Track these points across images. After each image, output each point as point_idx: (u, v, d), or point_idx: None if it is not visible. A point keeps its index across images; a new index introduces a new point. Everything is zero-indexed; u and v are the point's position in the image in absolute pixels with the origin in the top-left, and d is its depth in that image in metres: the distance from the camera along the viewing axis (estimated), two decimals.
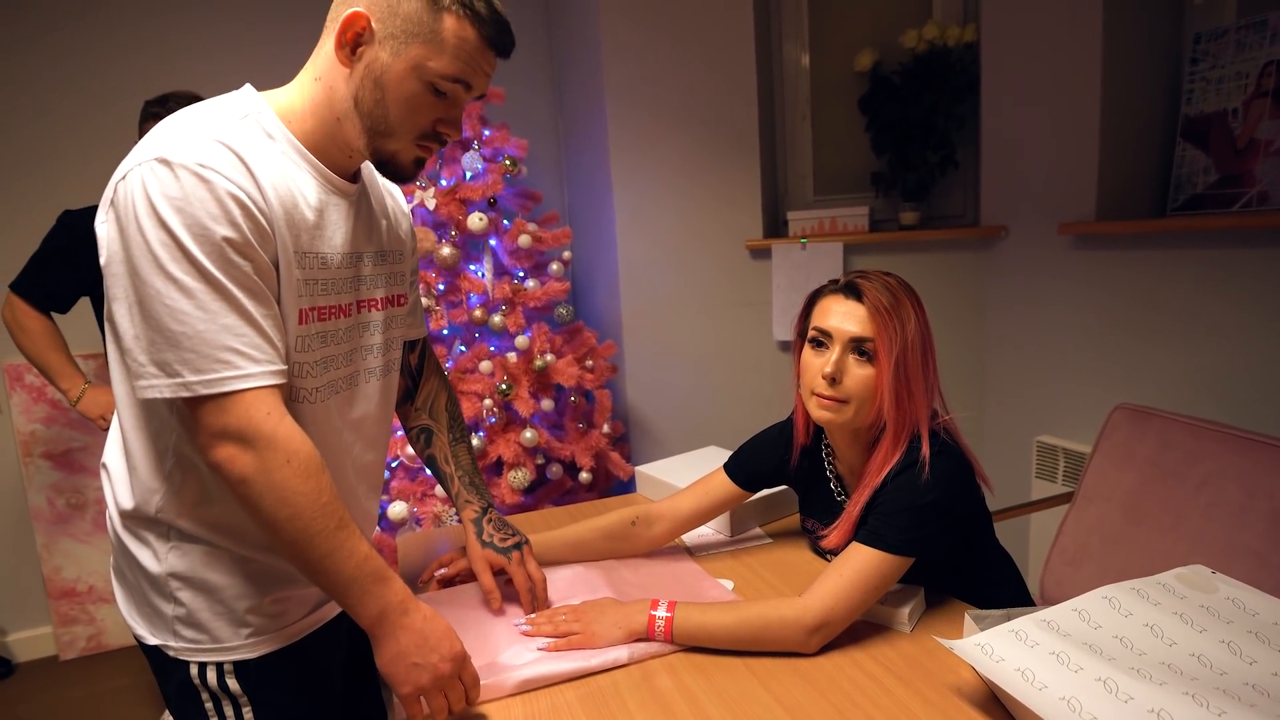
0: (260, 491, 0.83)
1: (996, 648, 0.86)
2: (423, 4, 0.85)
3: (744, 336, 2.64)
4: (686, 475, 1.51)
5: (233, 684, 0.94)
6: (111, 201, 0.82)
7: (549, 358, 2.33)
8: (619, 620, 1.06)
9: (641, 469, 1.67)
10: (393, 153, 0.92)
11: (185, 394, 0.81)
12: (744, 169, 2.57)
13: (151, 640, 0.94)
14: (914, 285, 1.13)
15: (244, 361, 0.82)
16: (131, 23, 2.56)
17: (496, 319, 2.34)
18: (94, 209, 2.02)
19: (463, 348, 2.37)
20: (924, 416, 1.09)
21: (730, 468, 1.30)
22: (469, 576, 1.24)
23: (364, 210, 1.00)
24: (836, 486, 1.24)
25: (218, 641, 0.93)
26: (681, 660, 1.03)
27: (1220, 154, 1.94)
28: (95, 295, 2.08)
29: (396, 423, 1.24)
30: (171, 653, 0.93)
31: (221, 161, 0.81)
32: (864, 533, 1.05)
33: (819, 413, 1.11)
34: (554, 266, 2.47)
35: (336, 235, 0.94)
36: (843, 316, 1.09)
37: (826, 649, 1.02)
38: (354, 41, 0.87)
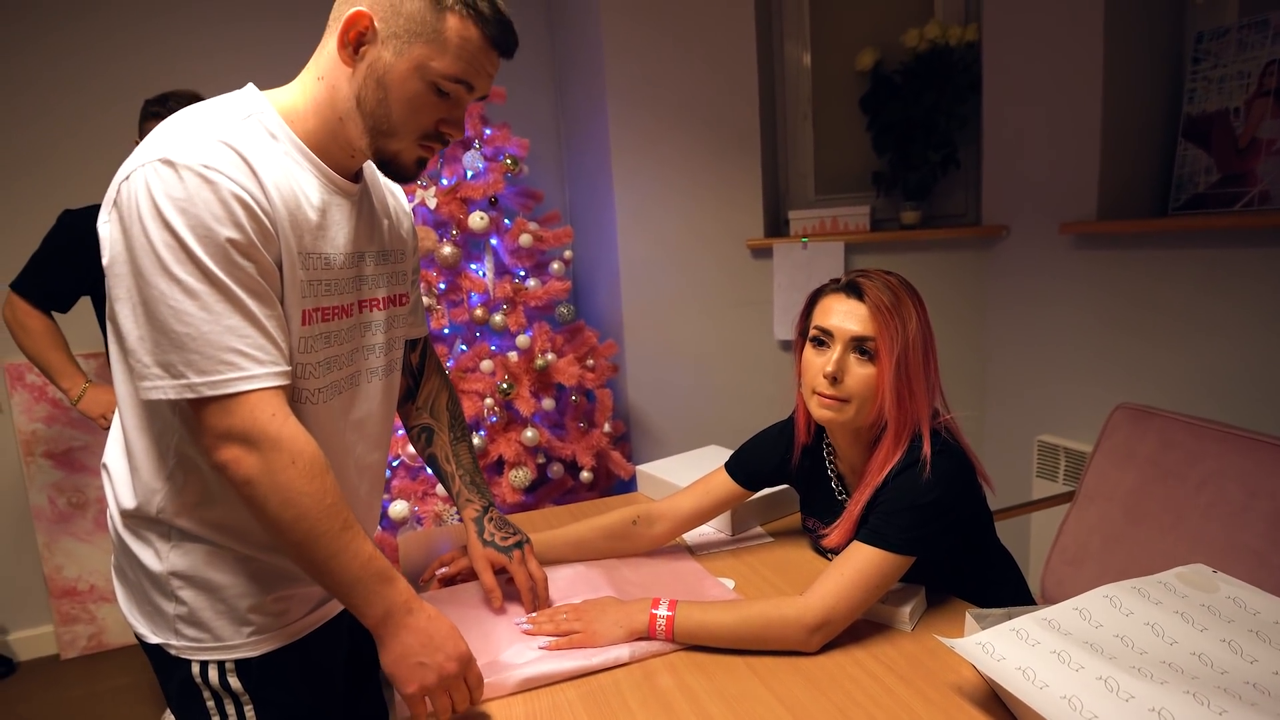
0: (265, 492, 0.83)
1: (998, 646, 0.86)
2: (426, 3, 0.85)
3: (745, 336, 2.64)
4: (687, 474, 1.51)
5: (234, 682, 0.94)
6: (114, 202, 0.82)
7: (550, 357, 2.33)
8: (620, 619, 1.06)
9: (642, 468, 1.67)
10: (395, 153, 0.92)
11: (190, 395, 0.81)
12: (745, 168, 2.57)
13: (153, 639, 0.94)
14: (915, 285, 1.13)
15: (248, 363, 0.82)
16: (131, 23, 2.56)
17: (498, 318, 2.34)
18: (94, 208, 2.02)
19: (464, 347, 2.37)
20: (925, 416, 1.09)
21: (731, 467, 1.30)
22: (470, 575, 1.24)
23: (366, 210, 1.00)
24: (837, 485, 1.24)
25: (220, 640, 0.93)
26: (683, 659, 1.03)
27: (1222, 153, 1.94)
28: (96, 295, 2.08)
29: (397, 421, 1.25)
30: (173, 651, 0.93)
31: (225, 162, 0.81)
32: (865, 532, 1.05)
33: (820, 412, 1.11)
34: (555, 266, 2.47)
35: (339, 235, 0.94)
36: (844, 315, 1.09)
37: (828, 648, 1.02)
38: (356, 41, 0.87)
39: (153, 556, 0.92)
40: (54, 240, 2.03)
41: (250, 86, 0.93)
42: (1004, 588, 1.22)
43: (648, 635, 1.05)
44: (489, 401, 2.24)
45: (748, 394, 2.66)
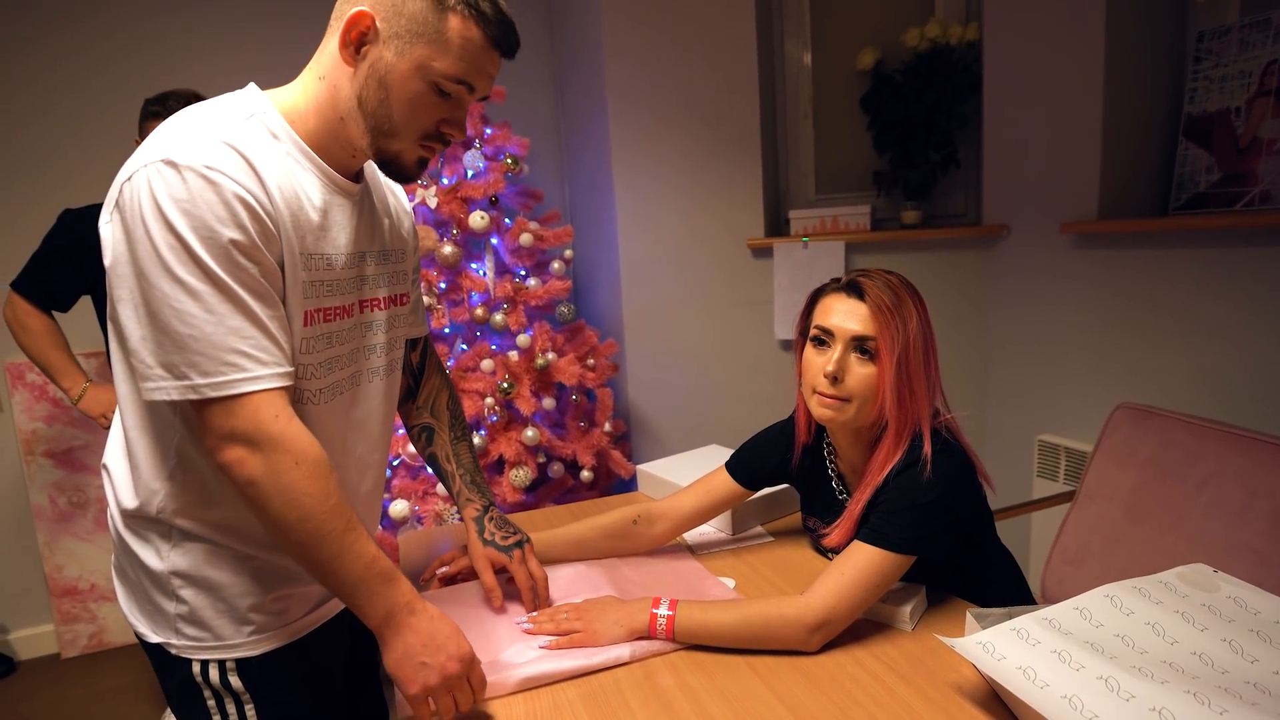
0: (268, 493, 0.83)
1: (998, 646, 0.86)
2: (428, 4, 0.85)
3: (745, 335, 2.64)
4: (688, 474, 1.51)
5: (235, 681, 0.94)
6: (116, 202, 0.82)
7: (550, 356, 2.33)
8: (621, 618, 1.06)
9: (643, 467, 1.67)
10: (396, 153, 0.92)
11: (193, 396, 0.81)
12: (746, 168, 2.57)
13: (153, 638, 0.94)
14: (915, 284, 1.13)
15: (251, 364, 0.82)
16: (131, 22, 2.56)
17: (498, 317, 2.34)
18: (95, 208, 2.02)
19: (464, 346, 2.37)
20: (926, 415, 1.09)
21: (732, 466, 1.30)
22: (470, 575, 1.24)
23: (367, 210, 1.00)
24: (838, 485, 1.24)
25: (220, 639, 0.93)
26: (683, 658, 1.03)
27: (1223, 153, 1.94)
28: (96, 294, 2.08)
29: (397, 421, 1.25)
30: (174, 651, 0.93)
31: (228, 163, 0.81)
32: (865, 531, 1.05)
33: (821, 411, 1.11)
34: (555, 265, 2.47)
35: (341, 236, 0.94)
36: (845, 315, 1.09)
37: (828, 647, 1.02)
38: (358, 40, 0.87)
39: (153, 556, 0.92)
40: (54, 240, 2.03)
41: (252, 86, 0.93)
42: (1004, 587, 1.21)
43: (648, 634, 1.05)
44: (489, 401, 2.24)
45: (748, 393, 2.66)
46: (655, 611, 1.05)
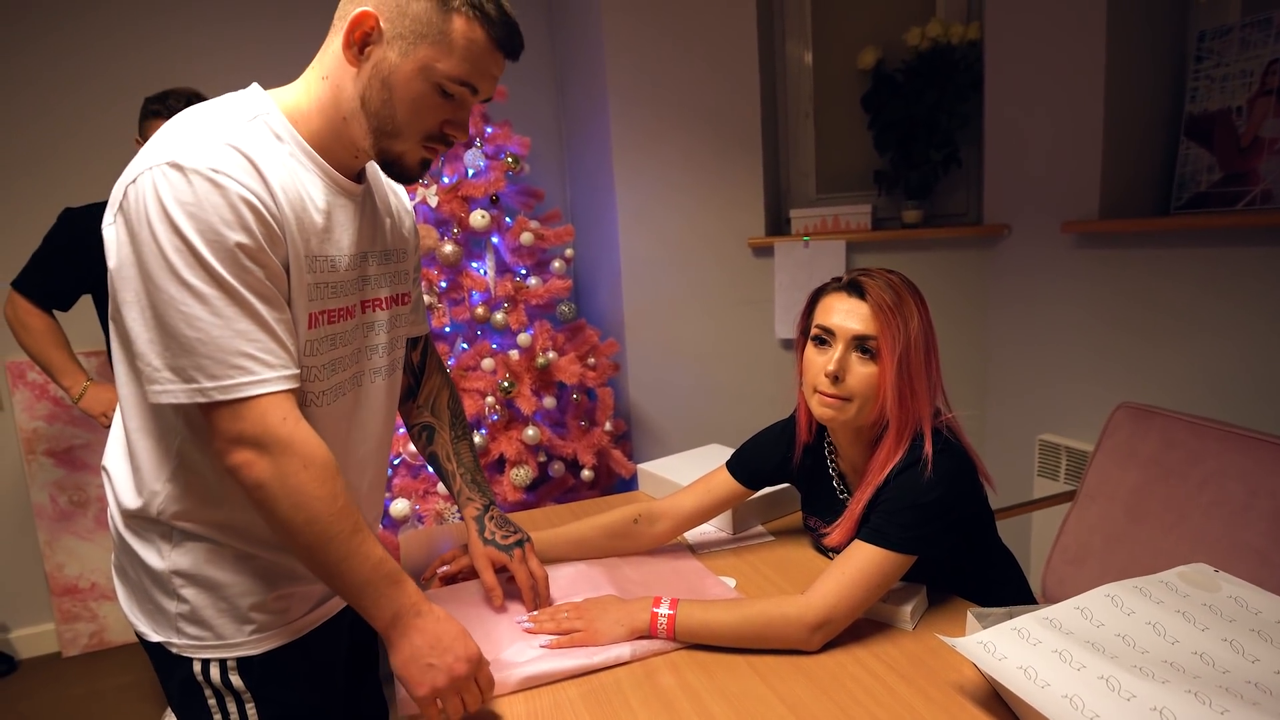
0: (276, 496, 0.83)
1: (999, 646, 0.86)
2: (432, 5, 0.85)
3: (746, 334, 2.64)
4: (689, 473, 1.51)
5: (236, 680, 0.94)
6: (120, 205, 0.82)
7: (551, 355, 2.33)
8: (621, 618, 1.06)
9: (644, 467, 1.67)
10: (399, 154, 0.92)
11: (201, 400, 0.81)
12: (746, 167, 2.57)
13: (154, 637, 0.94)
14: (916, 284, 1.12)
15: (259, 367, 0.82)
16: (131, 22, 2.56)
17: (499, 316, 2.34)
18: (95, 207, 2.02)
19: (465, 345, 2.38)
20: (926, 415, 1.08)
21: (732, 466, 1.30)
22: (471, 574, 1.24)
23: (368, 210, 1.00)
24: (839, 484, 1.24)
25: (221, 638, 0.93)
26: (684, 658, 1.03)
27: (1224, 152, 1.94)
28: (97, 293, 2.08)
29: (398, 420, 1.25)
30: (174, 650, 0.93)
31: (234, 166, 0.80)
32: (866, 531, 1.05)
33: (821, 410, 1.11)
34: (556, 264, 2.47)
35: (344, 237, 0.94)
36: (846, 314, 1.09)
37: (829, 647, 1.02)
38: (362, 41, 0.86)
39: (154, 555, 0.92)
40: (55, 239, 2.03)
41: (255, 86, 0.93)
42: (1005, 587, 1.21)
43: (649, 634, 1.05)
44: (490, 400, 2.24)
45: (749, 393, 2.66)
46: (656, 611, 1.05)
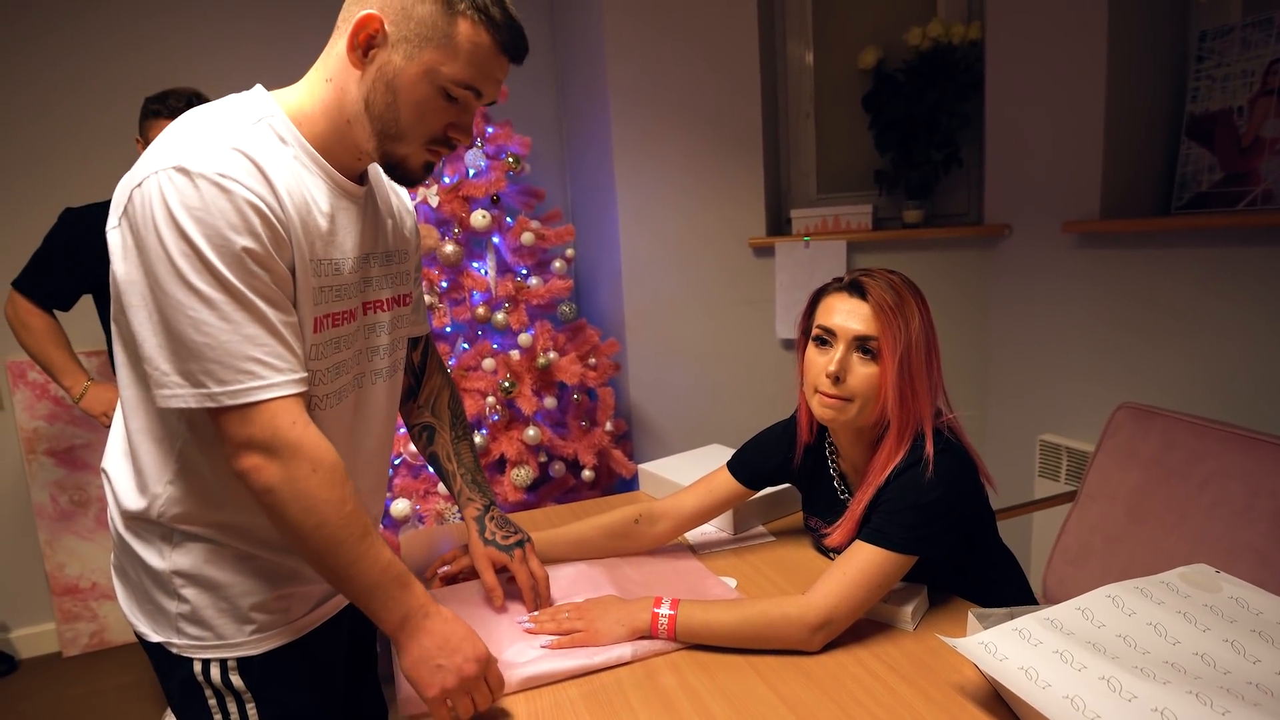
0: (286, 500, 0.83)
1: (1000, 646, 0.86)
2: (437, 8, 0.84)
3: (747, 334, 2.63)
4: (689, 473, 1.51)
5: (236, 680, 0.94)
6: (125, 209, 0.82)
7: (552, 355, 2.33)
8: (622, 618, 1.06)
9: (644, 467, 1.67)
10: (402, 157, 0.92)
11: (210, 404, 0.81)
12: (747, 167, 2.57)
13: (154, 638, 0.94)
14: (917, 284, 1.12)
15: (268, 371, 0.82)
16: (131, 22, 2.56)
17: (499, 316, 2.34)
18: (96, 206, 2.02)
19: (465, 345, 2.38)
20: (928, 415, 1.08)
21: (733, 466, 1.30)
22: (471, 574, 1.24)
23: (371, 211, 1.00)
24: (840, 484, 1.23)
25: (222, 638, 0.93)
26: (685, 658, 1.03)
27: (1225, 152, 1.94)
28: (98, 293, 2.08)
29: (399, 420, 1.25)
30: (175, 650, 0.93)
31: (240, 170, 0.80)
32: (867, 531, 1.05)
33: (822, 411, 1.11)
34: (557, 264, 2.47)
35: (347, 240, 0.94)
36: (847, 315, 1.09)
37: (830, 647, 1.02)
38: (366, 44, 0.86)
39: (155, 555, 0.92)
40: (55, 239, 2.03)
41: (258, 88, 0.92)
42: (1006, 587, 1.21)
43: (650, 634, 1.05)
44: (491, 400, 2.24)
45: (750, 393, 2.66)
46: (657, 611, 1.05)
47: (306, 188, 0.88)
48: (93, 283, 2.05)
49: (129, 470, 0.93)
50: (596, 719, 0.91)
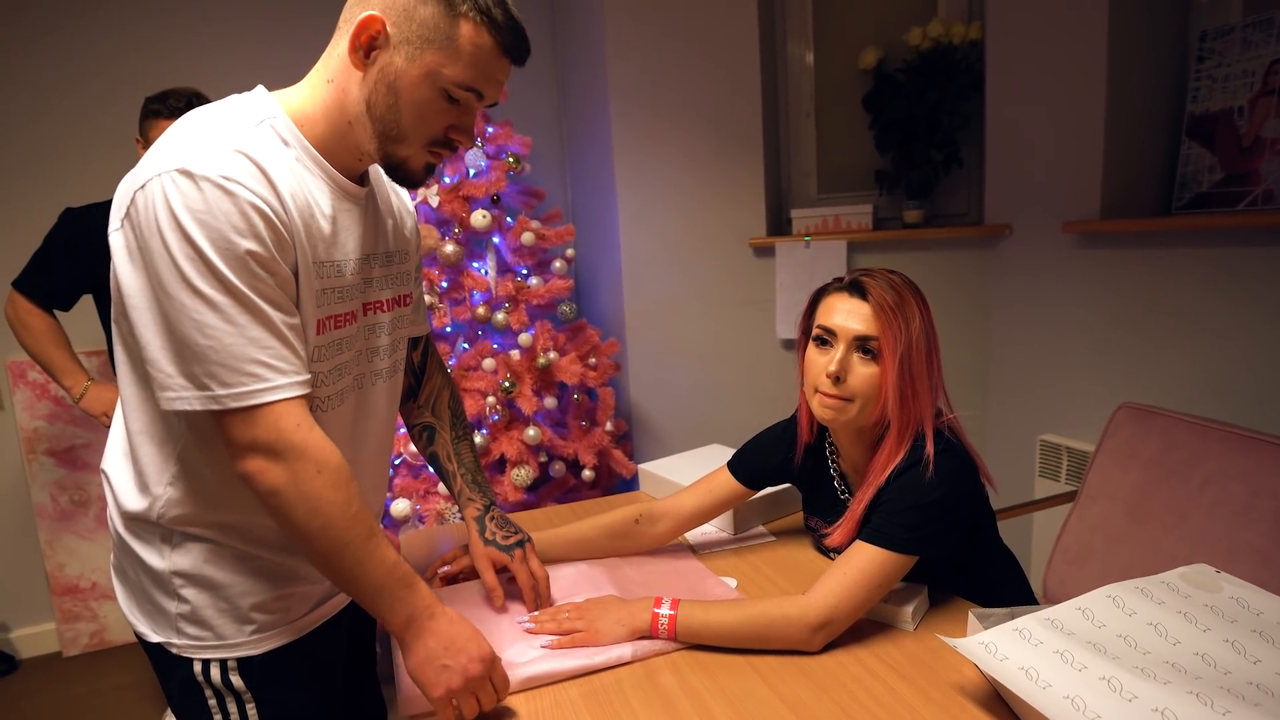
0: (292, 502, 0.83)
1: (1000, 646, 0.86)
2: (439, 10, 0.84)
3: (747, 334, 2.63)
4: (690, 473, 1.51)
5: (236, 681, 0.94)
6: (128, 212, 0.82)
7: (552, 355, 2.33)
8: (622, 618, 1.06)
9: (644, 467, 1.67)
10: (404, 158, 0.92)
11: (215, 407, 0.81)
12: (748, 167, 2.56)
13: (154, 638, 0.94)
14: (917, 284, 1.12)
15: (272, 374, 0.82)
16: (131, 22, 2.56)
17: (499, 316, 2.34)
18: (96, 206, 2.02)
19: (466, 345, 2.37)
20: (928, 415, 1.08)
21: (734, 466, 1.30)
22: (472, 574, 1.24)
23: (371, 213, 1.00)
24: (840, 485, 1.23)
25: (222, 639, 0.93)
26: (685, 658, 1.03)
27: (1226, 152, 1.94)
28: (98, 293, 2.08)
29: (399, 420, 1.25)
30: (175, 650, 0.93)
31: (243, 173, 0.80)
32: (868, 531, 1.05)
33: (823, 411, 1.11)
34: (557, 264, 2.47)
35: (349, 242, 0.94)
36: (847, 315, 1.09)
37: (830, 647, 1.02)
38: (368, 45, 0.86)
39: (155, 556, 0.92)
40: (56, 238, 2.03)
41: (260, 89, 0.92)
42: (1007, 587, 1.21)
43: (650, 634, 1.05)
44: (491, 400, 2.24)
45: (750, 393, 2.66)
46: (657, 611, 1.05)
47: (309, 190, 0.88)
48: (93, 283, 2.05)
49: (129, 471, 0.93)
50: (597, 719, 0.91)
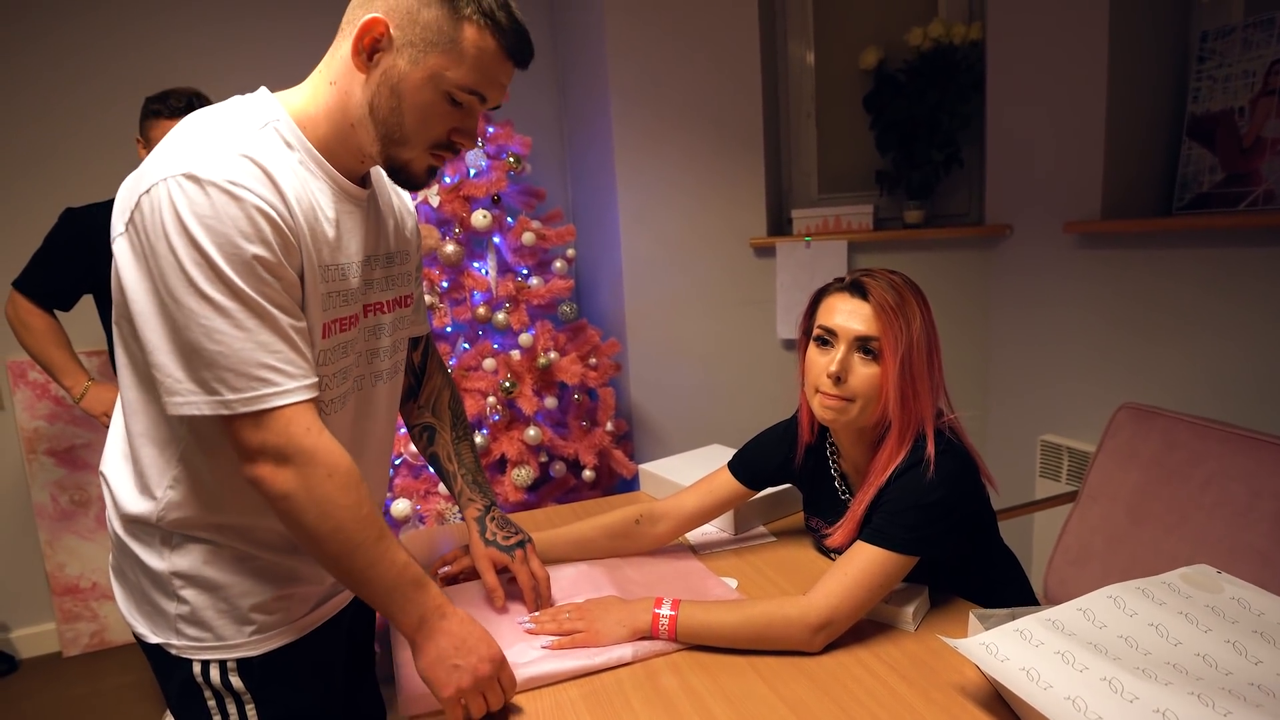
0: (303, 506, 0.83)
1: (1001, 647, 0.86)
2: (443, 12, 0.84)
3: (748, 335, 2.63)
4: (690, 473, 1.51)
5: (236, 681, 0.94)
6: (132, 216, 0.81)
7: (552, 355, 2.33)
8: (623, 618, 1.06)
9: (645, 467, 1.67)
10: (406, 161, 0.91)
11: (224, 412, 0.81)
12: (748, 167, 2.56)
13: (153, 639, 0.94)
14: (918, 284, 1.12)
15: (281, 378, 0.82)
16: (131, 22, 2.56)
17: (500, 316, 2.34)
18: (96, 206, 2.02)
19: (466, 345, 2.37)
20: (929, 415, 1.08)
21: (734, 466, 1.30)
22: (472, 574, 1.24)
23: (373, 214, 1.00)
24: (841, 485, 1.23)
25: (221, 639, 0.93)
26: (686, 659, 1.03)
27: (1226, 153, 1.94)
28: (98, 293, 2.08)
29: (399, 420, 1.25)
30: (174, 651, 0.93)
31: (249, 177, 0.80)
32: (868, 531, 1.05)
33: (823, 411, 1.11)
34: (558, 264, 2.47)
35: (352, 244, 0.94)
36: (848, 315, 1.08)
37: (831, 648, 1.02)
38: (371, 47, 0.86)
39: (154, 557, 0.92)
40: (56, 238, 2.03)
41: (263, 90, 0.92)
42: (1007, 588, 1.21)
43: (650, 635, 1.05)
44: (491, 400, 2.24)
45: (751, 393, 2.66)
46: (658, 611, 1.05)
47: (312, 193, 0.88)
48: (93, 283, 2.05)
49: (129, 473, 0.93)
50: (597, 719, 0.91)
